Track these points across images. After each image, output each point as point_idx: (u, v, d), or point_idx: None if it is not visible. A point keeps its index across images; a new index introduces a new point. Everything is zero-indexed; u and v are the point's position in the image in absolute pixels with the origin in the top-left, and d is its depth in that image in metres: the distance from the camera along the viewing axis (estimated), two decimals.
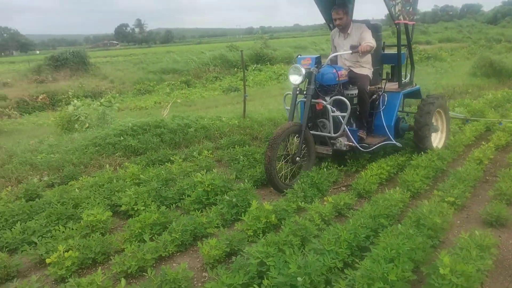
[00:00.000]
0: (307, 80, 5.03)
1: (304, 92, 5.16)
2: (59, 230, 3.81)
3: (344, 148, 5.02)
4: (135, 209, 4.31)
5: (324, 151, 5.21)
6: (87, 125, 8.48)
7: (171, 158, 6.12)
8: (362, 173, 4.96)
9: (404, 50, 5.91)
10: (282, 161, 4.97)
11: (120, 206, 4.42)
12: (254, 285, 2.61)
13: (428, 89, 10.62)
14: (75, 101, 9.60)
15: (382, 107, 5.52)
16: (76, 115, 8.68)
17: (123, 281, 2.76)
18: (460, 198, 4.19)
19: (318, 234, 3.51)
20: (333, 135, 5.08)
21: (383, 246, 2.95)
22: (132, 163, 5.91)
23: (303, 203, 4.28)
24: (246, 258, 3.10)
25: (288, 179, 5.00)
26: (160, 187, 4.70)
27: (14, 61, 47.14)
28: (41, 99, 18.26)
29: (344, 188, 4.97)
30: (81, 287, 2.89)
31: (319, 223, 3.71)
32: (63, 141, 7.18)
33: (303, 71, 4.92)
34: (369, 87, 5.43)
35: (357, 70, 5.45)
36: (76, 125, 8.63)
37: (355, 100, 5.29)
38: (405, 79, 6.00)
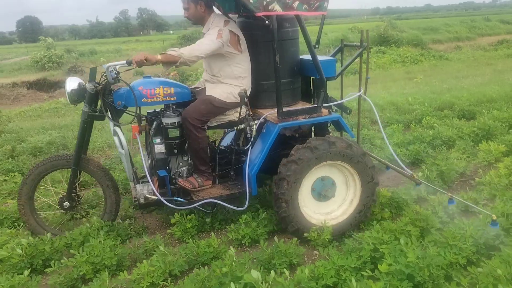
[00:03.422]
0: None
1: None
2: None
3: (142, 201, 3.45)
4: None
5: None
6: None
7: None
8: (499, 165, 4.46)
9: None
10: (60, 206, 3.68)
11: None
12: (367, 270, 2.54)
13: None
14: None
15: (249, 144, 3.63)
16: None
17: (231, 249, 2.89)
18: None
19: (440, 227, 3.28)
20: (130, 180, 3.61)
21: None
22: None
23: (425, 192, 4.02)
24: (359, 242, 3.03)
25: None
26: None
27: (151, 39, 51.54)
28: (172, 75, 19.64)
29: (473, 182, 4.54)
30: (199, 248, 3.13)
31: (441, 216, 3.46)
32: None
33: (68, 87, 3.46)
34: (232, 114, 3.66)
35: (209, 88, 3.68)
36: None
37: (176, 133, 3.58)
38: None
